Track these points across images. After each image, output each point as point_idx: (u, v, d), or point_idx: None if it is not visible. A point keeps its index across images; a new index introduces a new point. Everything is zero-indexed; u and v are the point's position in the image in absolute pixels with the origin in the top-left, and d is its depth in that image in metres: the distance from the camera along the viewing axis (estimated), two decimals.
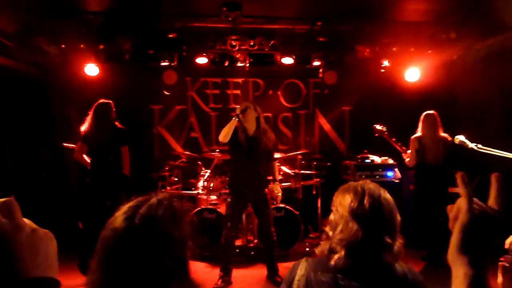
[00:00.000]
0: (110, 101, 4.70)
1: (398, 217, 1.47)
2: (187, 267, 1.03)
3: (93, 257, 0.99)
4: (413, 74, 6.07)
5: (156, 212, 1.02)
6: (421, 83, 6.10)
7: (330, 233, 1.48)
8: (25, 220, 0.76)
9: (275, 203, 5.17)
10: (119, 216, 1.02)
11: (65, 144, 5.16)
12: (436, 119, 4.94)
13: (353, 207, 1.43)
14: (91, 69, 5.65)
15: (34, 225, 0.77)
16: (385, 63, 6.03)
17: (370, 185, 1.50)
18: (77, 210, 5.03)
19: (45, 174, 6.14)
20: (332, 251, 1.44)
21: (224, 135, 4.06)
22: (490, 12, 4.34)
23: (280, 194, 4.39)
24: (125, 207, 1.05)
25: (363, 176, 5.51)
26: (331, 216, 1.51)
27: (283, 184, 5.30)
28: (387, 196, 1.49)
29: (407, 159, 5.05)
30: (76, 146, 4.67)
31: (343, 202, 1.48)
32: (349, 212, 1.43)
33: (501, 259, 1.13)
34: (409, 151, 5.09)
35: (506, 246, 1.23)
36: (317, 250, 1.53)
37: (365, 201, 1.43)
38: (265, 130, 4.23)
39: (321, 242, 1.56)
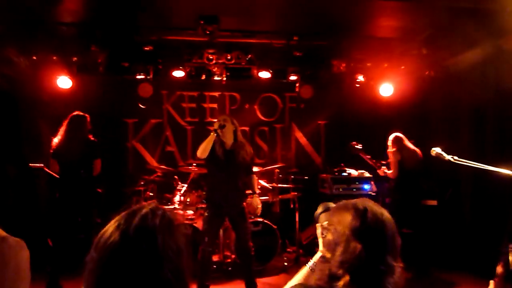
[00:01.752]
0: (87, 115, 4.58)
1: (399, 238, 1.38)
2: (185, 278, 1.01)
3: (85, 270, 0.97)
4: (386, 89, 6.19)
5: (151, 223, 1.01)
6: (395, 98, 6.22)
7: (328, 255, 1.37)
8: None
9: (252, 217, 5.11)
10: (111, 227, 1.00)
11: (32, 165, 4.98)
12: (403, 139, 5.18)
13: (355, 225, 1.33)
14: (64, 82, 5.50)
15: (3, 233, 0.69)
16: (360, 78, 6.13)
17: (370, 203, 1.41)
18: (46, 227, 4.81)
19: (12, 190, 5.87)
20: (333, 277, 1.30)
21: (202, 150, 4.00)
22: (460, 29, 4.48)
23: (259, 206, 4.33)
24: (117, 218, 1.02)
25: (340, 190, 5.54)
26: (329, 237, 1.40)
27: (261, 198, 5.25)
28: (388, 215, 1.40)
29: (390, 172, 5.16)
30: (47, 165, 4.49)
31: (342, 220, 1.36)
32: (351, 231, 1.32)
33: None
34: (383, 167, 5.22)
35: None
36: (316, 277, 1.38)
37: (368, 220, 1.34)
38: (242, 144, 4.19)
39: (313, 267, 1.46)
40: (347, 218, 1.35)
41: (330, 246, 1.37)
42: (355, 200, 1.43)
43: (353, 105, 6.66)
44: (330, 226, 1.42)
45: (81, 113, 4.59)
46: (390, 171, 5.17)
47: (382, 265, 1.28)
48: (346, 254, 1.30)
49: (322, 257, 1.41)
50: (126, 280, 0.94)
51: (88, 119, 4.60)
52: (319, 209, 1.72)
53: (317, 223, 1.68)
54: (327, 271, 1.33)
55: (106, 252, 0.97)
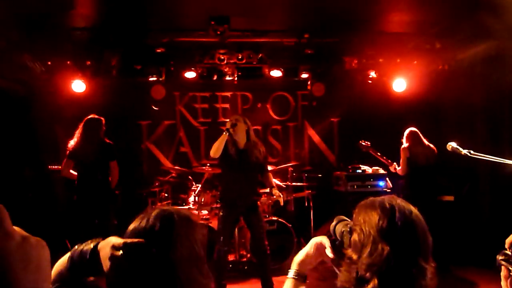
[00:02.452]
0: (101, 118, 4.65)
1: (431, 238, 1.29)
2: (204, 262, 1.18)
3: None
4: (400, 84, 6.12)
5: (169, 214, 1.16)
6: (408, 93, 6.15)
7: (355, 257, 1.28)
8: (15, 228, 0.71)
9: (267, 215, 5.12)
10: (136, 221, 1.17)
11: (50, 167, 5.08)
12: (419, 134, 5.15)
13: (382, 225, 1.24)
14: (78, 86, 5.58)
15: (24, 233, 0.73)
16: (372, 74, 6.08)
17: (398, 201, 1.31)
18: (65, 229, 4.90)
19: (31, 193, 5.98)
20: (361, 280, 1.23)
21: (215, 150, 4.02)
22: (474, 22, 4.41)
23: (281, 196, 4.33)
24: (138, 217, 1.19)
25: (355, 187, 5.51)
26: (355, 237, 1.31)
27: (274, 197, 5.26)
28: (418, 213, 1.31)
29: (399, 168, 5.13)
30: (62, 164, 4.58)
31: (368, 220, 1.28)
32: (377, 232, 1.24)
33: (499, 256, 1.12)
34: (394, 164, 5.20)
35: (506, 245, 1.20)
36: (342, 278, 1.31)
37: (396, 219, 1.25)
38: (255, 143, 4.20)
39: (342, 269, 1.42)
40: (374, 218, 1.28)
41: (356, 247, 1.30)
42: (382, 197, 1.35)
43: (366, 102, 6.61)
44: (355, 225, 1.35)
45: (96, 116, 4.65)
46: (399, 168, 5.14)
47: (413, 268, 1.21)
48: (373, 256, 1.23)
49: (349, 258, 1.32)
50: (147, 267, 1.07)
51: (103, 121, 4.66)
52: (334, 222, 1.67)
53: (334, 234, 1.62)
54: (354, 273, 1.27)
55: (132, 237, 1.12)
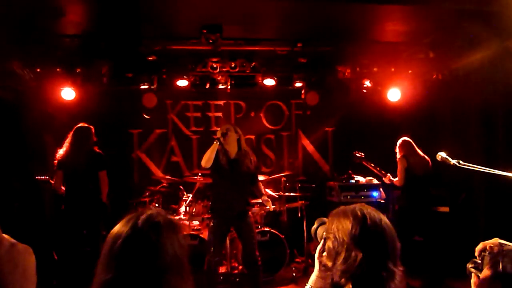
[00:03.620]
0: (91, 127, 4.66)
1: (399, 243, 1.39)
2: (187, 267, 1.19)
3: (97, 264, 1.14)
4: (394, 94, 6.19)
5: (157, 219, 1.19)
6: (402, 102, 6.22)
7: (329, 264, 1.37)
8: (4, 235, 0.75)
9: (259, 226, 5.13)
10: (119, 226, 1.19)
11: (38, 177, 5.07)
12: (412, 144, 5.17)
13: (355, 233, 1.33)
14: (68, 93, 5.59)
15: (12, 240, 0.76)
16: (367, 83, 6.14)
17: (368, 209, 1.41)
18: (52, 240, 4.88)
19: (18, 202, 5.95)
20: (336, 286, 1.32)
21: (206, 160, 4.04)
22: (466, 31, 4.50)
23: (269, 200, 4.37)
24: (123, 220, 1.21)
25: (348, 197, 5.54)
26: (329, 244, 1.40)
27: (267, 207, 5.28)
28: (387, 220, 1.41)
29: (396, 179, 5.15)
30: (52, 177, 4.56)
31: (342, 228, 1.37)
32: (350, 239, 1.33)
33: (469, 264, 1.22)
34: (389, 175, 5.22)
35: (476, 253, 1.27)
36: (317, 285, 1.42)
37: (368, 226, 1.35)
38: (246, 152, 4.23)
39: (317, 275, 1.48)
40: (347, 226, 1.36)
41: (331, 254, 1.38)
42: (353, 206, 1.44)
43: (361, 111, 6.67)
44: (329, 233, 1.43)
45: (86, 125, 4.66)
46: (396, 179, 5.15)
47: (383, 271, 1.30)
48: (347, 263, 1.31)
49: (324, 265, 1.42)
50: (135, 267, 1.10)
51: (93, 130, 4.67)
52: (315, 225, 1.75)
53: (316, 239, 1.69)
54: (329, 279, 1.35)
55: (117, 244, 1.12)
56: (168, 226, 1.19)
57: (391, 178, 5.24)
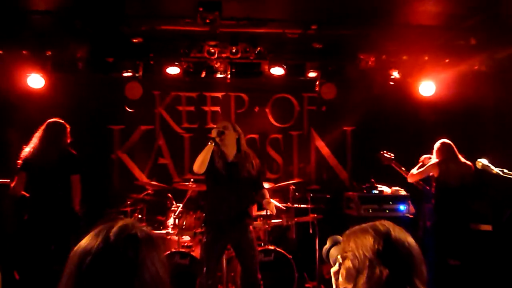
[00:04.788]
0: (67, 125, 4.67)
1: (425, 267, 1.45)
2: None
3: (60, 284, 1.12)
4: (427, 87, 6.18)
5: (134, 232, 1.16)
6: (437, 98, 6.21)
7: (349, 287, 1.43)
8: None
9: (262, 244, 5.12)
10: (87, 239, 1.15)
11: None
12: (453, 148, 5.16)
13: (379, 248, 1.40)
14: (36, 81, 5.61)
15: None
16: (394, 74, 6.14)
17: (391, 225, 1.49)
18: (13, 257, 4.88)
19: None
20: None
21: (200, 164, 4.04)
22: None
23: (270, 202, 4.33)
24: (92, 232, 1.17)
25: (370, 210, 5.53)
26: (347, 264, 1.46)
27: (273, 221, 5.27)
28: (413, 241, 1.48)
29: (411, 173, 5.24)
30: (13, 180, 4.56)
31: (362, 244, 1.43)
32: (374, 255, 1.39)
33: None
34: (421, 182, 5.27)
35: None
36: None
37: (392, 240, 1.42)
38: (247, 154, 4.23)
39: None
40: (368, 241, 1.43)
41: (350, 275, 1.44)
42: (371, 222, 1.51)
43: (386, 108, 6.66)
44: (347, 252, 1.48)
45: (60, 120, 4.67)
46: (414, 173, 5.21)
47: None
48: (371, 281, 1.36)
49: None
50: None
51: (68, 129, 4.68)
52: (327, 244, 1.78)
53: (328, 261, 1.72)
54: None
55: (86, 261, 1.09)
56: (147, 240, 1.17)
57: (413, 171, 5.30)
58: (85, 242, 1.15)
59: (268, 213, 4.46)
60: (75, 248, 1.15)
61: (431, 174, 5.22)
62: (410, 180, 5.36)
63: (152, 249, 1.16)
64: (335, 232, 1.79)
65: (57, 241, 4.52)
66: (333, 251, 1.71)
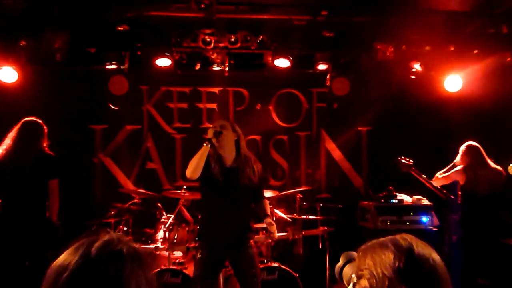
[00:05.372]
0: (44, 125, 4.70)
1: (452, 286, 1.46)
2: None
3: None
4: (453, 82, 6.19)
5: (118, 248, 1.16)
6: (464, 94, 6.22)
7: None
8: None
9: (265, 260, 5.14)
10: (66, 255, 1.15)
11: None
12: (481, 152, 5.18)
13: (400, 265, 1.39)
14: (8, 74, 5.64)
15: None
16: (416, 67, 6.15)
17: (413, 239, 1.48)
18: None
19: None
20: None
21: (193, 169, 4.04)
22: None
23: (273, 224, 4.35)
24: (71, 247, 1.17)
25: (388, 223, 5.56)
26: (364, 284, 1.46)
27: (277, 234, 5.28)
28: (439, 257, 1.47)
29: (441, 176, 5.28)
30: None
31: (381, 261, 1.43)
32: (394, 273, 1.38)
33: None
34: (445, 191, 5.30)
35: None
36: None
37: (415, 256, 1.41)
38: (247, 159, 4.23)
39: None
40: (387, 258, 1.42)
41: None
42: (391, 236, 1.50)
43: (406, 105, 6.69)
44: (362, 270, 1.48)
45: (37, 120, 4.70)
46: (439, 176, 5.27)
47: None
48: None
49: None
50: None
51: (46, 130, 4.71)
52: (341, 261, 1.79)
53: (341, 281, 1.74)
54: None
55: (62, 278, 1.10)
56: (133, 257, 1.18)
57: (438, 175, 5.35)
58: (63, 257, 1.16)
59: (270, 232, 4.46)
60: (52, 264, 1.16)
61: (456, 181, 5.23)
62: (434, 184, 5.38)
63: (138, 268, 1.17)
64: (348, 247, 1.81)
65: (32, 256, 4.54)
66: (347, 269, 1.72)
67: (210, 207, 4.23)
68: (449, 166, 5.50)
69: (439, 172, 5.48)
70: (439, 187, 5.45)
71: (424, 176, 5.45)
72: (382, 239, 1.51)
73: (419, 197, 5.77)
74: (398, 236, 1.49)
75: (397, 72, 6.32)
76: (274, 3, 5.38)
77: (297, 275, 5.14)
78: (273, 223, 4.36)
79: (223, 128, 4.13)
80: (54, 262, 1.17)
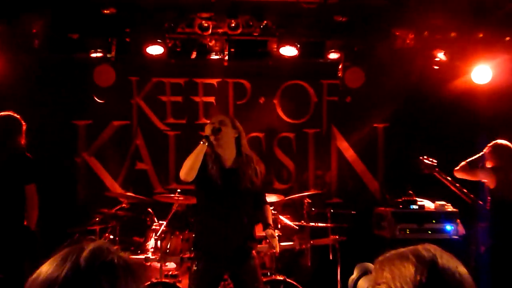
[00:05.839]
0: (22, 121, 4.69)
1: None
2: None
3: None
4: (482, 73, 6.16)
5: (109, 257, 1.16)
6: (494, 87, 6.20)
7: None
8: None
9: (268, 273, 5.13)
10: (48, 266, 1.14)
11: None
12: (509, 151, 5.22)
13: (422, 280, 1.38)
14: None
15: None
16: (440, 56, 6.13)
17: (437, 250, 1.46)
18: None
19: None
20: None
21: (188, 170, 4.03)
22: None
23: (275, 237, 4.34)
24: (53, 258, 1.16)
25: (407, 231, 5.53)
26: None
27: (282, 244, 5.28)
28: (466, 271, 1.46)
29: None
30: None
31: (400, 274, 1.42)
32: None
33: None
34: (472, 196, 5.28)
35: None
36: None
37: (439, 270, 1.40)
38: (249, 159, 4.22)
39: None
40: (408, 271, 1.40)
41: None
42: (412, 247, 1.47)
43: (429, 99, 6.66)
44: (380, 285, 1.47)
45: (14, 115, 4.69)
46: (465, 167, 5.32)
47: None
48: None
49: None
50: None
51: (23, 125, 4.70)
52: (355, 274, 1.79)
53: None
54: None
55: None
56: (125, 269, 1.17)
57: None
58: (47, 269, 1.14)
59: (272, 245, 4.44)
60: (33, 277, 1.15)
61: (484, 183, 5.20)
62: (458, 175, 5.34)
63: (131, 281, 1.17)
64: (362, 259, 1.80)
65: (7, 268, 4.54)
66: (362, 283, 1.72)
67: (207, 213, 4.22)
68: (477, 155, 5.44)
69: (463, 162, 5.41)
70: (461, 188, 5.41)
71: (449, 178, 5.43)
72: (401, 249, 1.49)
73: (443, 202, 5.75)
74: (420, 247, 1.47)
75: (418, 62, 6.30)
76: None
77: None
78: (275, 235, 4.35)
79: (222, 124, 4.11)
80: (35, 275, 1.16)
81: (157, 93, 6.99)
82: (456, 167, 5.48)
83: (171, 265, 5.34)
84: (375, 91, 6.67)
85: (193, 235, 4.63)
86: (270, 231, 4.31)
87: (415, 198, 5.79)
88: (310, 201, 5.79)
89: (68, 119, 6.79)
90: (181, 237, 5.29)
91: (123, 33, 5.91)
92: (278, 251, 4.47)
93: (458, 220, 5.65)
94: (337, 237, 5.63)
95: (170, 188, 6.58)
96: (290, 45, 5.94)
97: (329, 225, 5.75)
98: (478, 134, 5.98)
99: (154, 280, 5.07)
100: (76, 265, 1.13)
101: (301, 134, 7.16)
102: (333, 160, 7.19)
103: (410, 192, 5.84)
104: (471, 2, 5.54)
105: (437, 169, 5.46)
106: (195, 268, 4.18)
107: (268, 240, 5.17)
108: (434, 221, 5.65)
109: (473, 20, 5.81)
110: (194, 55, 6.11)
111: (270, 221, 4.40)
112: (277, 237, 4.39)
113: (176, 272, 5.33)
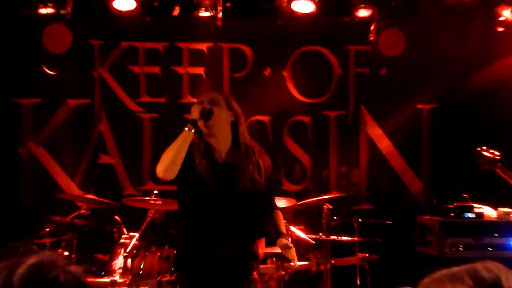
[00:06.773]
0: None
1: None
2: None
3: None
4: None
5: (53, 275, 1.17)
6: None
7: None
8: None
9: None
10: None
11: None
12: None
13: None
14: None
15: None
16: (505, 14, 6.12)
17: (502, 271, 1.45)
18: None
19: None
20: None
21: (168, 165, 4.01)
22: None
23: (291, 247, 4.31)
24: None
25: (460, 248, 5.53)
26: None
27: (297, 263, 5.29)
28: None
29: None
30: None
31: None
32: None
33: None
34: None
35: None
36: None
37: None
38: (250, 150, 4.20)
39: None
40: None
41: None
42: (469, 265, 1.47)
43: (490, 72, 6.64)
44: None
45: None
46: None
47: None
48: None
49: None
50: None
51: None
52: None
53: None
54: None
55: None
56: (72, 285, 1.19)
57: None
58: None
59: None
60: None
61: None
62: None
63: None
64: (401, 282, 1.80)
65: None
66: None
67: (192, 222, 4.20)
68: None
69: None
70: None
71: None
72: (454, 269, 1.48)
73: (508, 209, 5.74)
74: (479, 266, 1.46)
75: (477, 22, 6.27)
76: None
77: None
78: (291, 244, 4.32)
79: (213, 104, 4.09)
80: None
81: (128, 63, 7.00)
82: None
83: None
84: (418, 61, 6.68)
85: (175, 252, 4.65)
86: (283, 240, 4.24)
87: (471, 204, 5.79)
88: (331, 207, 5.77)
89: (7, 96, 6.79)
90: (159, 254, 5.31)
91: None
92: (296, 265, 4.46)
93: None
94: (366, 255, 5.65)
95: (145, 189, 6.60)
96: None
97: (356, 239, 5.77)
98: None
99: None
100: (7, 285, 1.14)
101: (320, 117, 7.17)
102: (362, 153, 7.21)
103: (464, 195, 5.84)
104: None
105: (500, 164, 5.44)
106: None
107: (275, 259, 5.21)
108: (496, 234, 5.64)
109: None
110: (176, 12, 6.11)
111: (283, 229, 4.37)
112: (293, 247, 4.35)
113: None
